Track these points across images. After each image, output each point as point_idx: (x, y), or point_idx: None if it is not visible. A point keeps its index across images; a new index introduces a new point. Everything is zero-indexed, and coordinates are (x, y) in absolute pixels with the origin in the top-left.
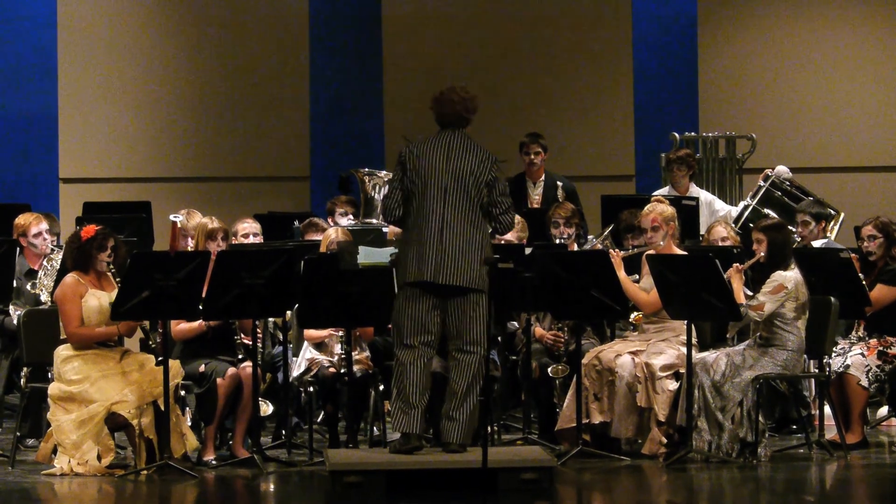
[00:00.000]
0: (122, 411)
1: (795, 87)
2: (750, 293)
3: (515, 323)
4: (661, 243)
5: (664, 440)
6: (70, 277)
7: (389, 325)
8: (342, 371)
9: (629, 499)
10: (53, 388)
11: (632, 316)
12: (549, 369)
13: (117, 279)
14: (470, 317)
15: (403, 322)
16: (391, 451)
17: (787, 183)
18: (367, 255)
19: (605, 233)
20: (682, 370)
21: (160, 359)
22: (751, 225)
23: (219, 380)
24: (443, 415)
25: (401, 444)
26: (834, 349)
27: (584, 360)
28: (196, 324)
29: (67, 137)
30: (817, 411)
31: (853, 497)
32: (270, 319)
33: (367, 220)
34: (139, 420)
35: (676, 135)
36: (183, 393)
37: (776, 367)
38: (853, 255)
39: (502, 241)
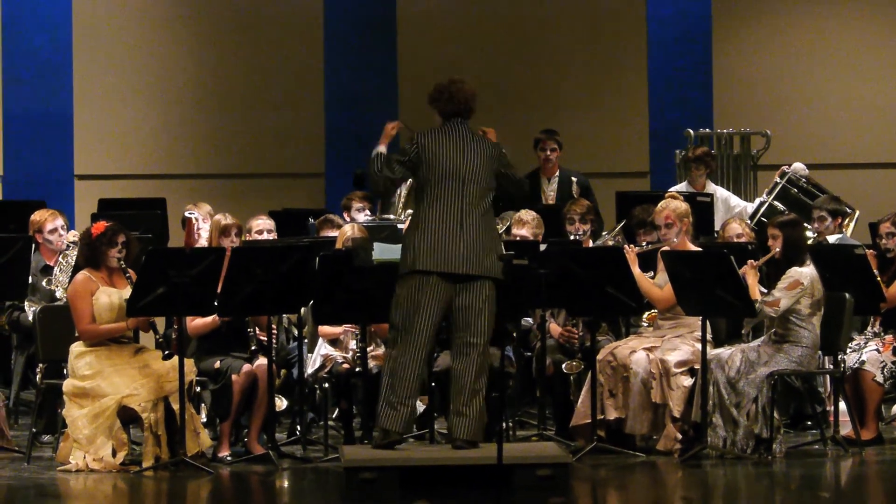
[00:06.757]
0: (132, 404)
1: (810, 84)
2: (764, 290)
3: (530, 319)
4: (675, 240)
5: (679, 436)
6: (81, 275)
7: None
8: (356, 367)
9: (644, 495)
10: (67, 385)
11: (644, 315)
12: (564, 366)
13: (127, 275)
14: (479, 308)
15: (409, 311)
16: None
17: (804, 180)
18: (383, 252)
19: (617, 228)
20: (697, 366)
21: (167, 352)
22: (764, 220)
23: (234, 376)
24: (452, 412)
25: (380, 438)
26: (849, 345)
27: (599, 357)
28: (210, 319)
29: (83, 134)
30: (832, 407)
31: (868, 493)
32: (285, 316)
33: (385, 216)
34: (149, 414)
35: (691, 131)
36: (198, 389)
37: (791, 364)
38: (870, 251)
39: (517, 238)
